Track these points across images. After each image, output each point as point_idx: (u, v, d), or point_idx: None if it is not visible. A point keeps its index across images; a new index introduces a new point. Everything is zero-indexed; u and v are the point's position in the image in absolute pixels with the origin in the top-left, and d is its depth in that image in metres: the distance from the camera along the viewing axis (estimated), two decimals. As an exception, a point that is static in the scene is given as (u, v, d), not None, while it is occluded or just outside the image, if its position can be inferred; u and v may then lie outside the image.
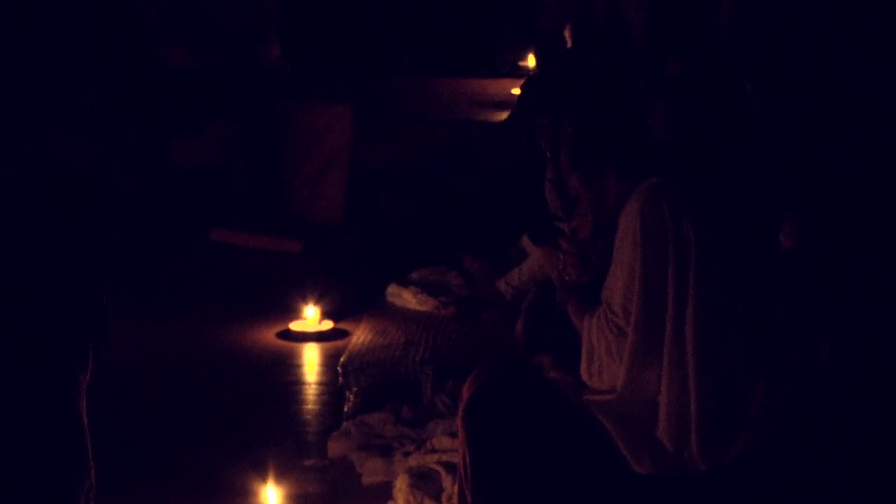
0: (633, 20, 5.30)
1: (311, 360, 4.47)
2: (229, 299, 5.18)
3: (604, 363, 2.66)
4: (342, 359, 4.34)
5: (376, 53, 10.43)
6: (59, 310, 1.71)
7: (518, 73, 9.84)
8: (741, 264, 2.51)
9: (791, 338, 2.14)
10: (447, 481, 3.11)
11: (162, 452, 3.56)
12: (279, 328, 4.71)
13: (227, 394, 4.07)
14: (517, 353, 4.08)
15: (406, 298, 5.02)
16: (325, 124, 6.55)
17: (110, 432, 3.65)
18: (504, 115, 8.50)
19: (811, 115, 3.41)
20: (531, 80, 7.02)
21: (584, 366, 2.73)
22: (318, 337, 4.64)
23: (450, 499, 3.05)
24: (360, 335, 4.63)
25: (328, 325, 4.70)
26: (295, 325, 4.68)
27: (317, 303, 4.73)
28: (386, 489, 3.22)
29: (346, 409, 3.86)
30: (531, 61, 9.45)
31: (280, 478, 3.19)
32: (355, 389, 4.02)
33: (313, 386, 4.20)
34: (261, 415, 3.88)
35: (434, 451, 3.31)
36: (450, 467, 3.15)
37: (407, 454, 3.35)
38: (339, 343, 4.57)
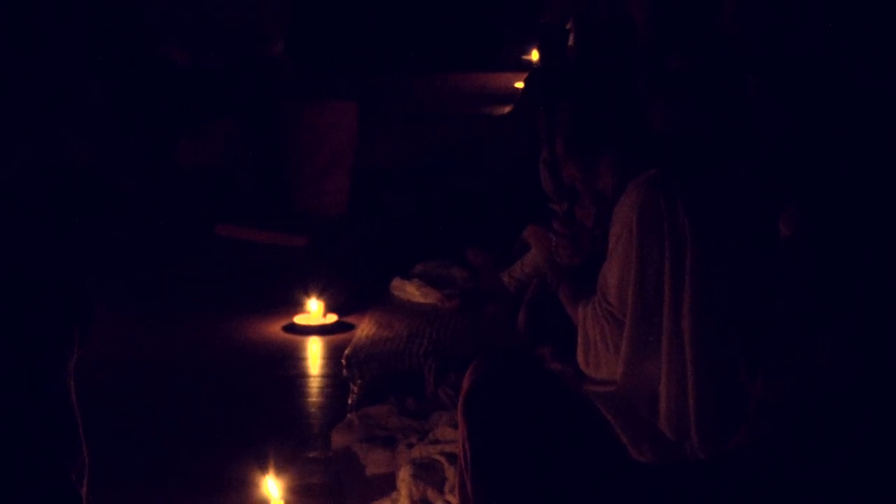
0: (636, 16, 5.32)
1: (315, 353, 4.50)
2: (234, 294, 5.22)
3: (600, 352, 2.68)
4: (346, 351, 4.37)
5: (379, 51, 10.45)
6: (48, 299, 1.79)
7: (521, 67, 9.85)
8: (739, 259, 2.52)
9: (790, 333, 2.16)
10: (450, 472, 3.13)
11: (167, 446, 3.59)
12: (284, 322, 4.74)
13: (233, 387, 4.11)
14: (519, 344, 4.11)
15: (410, 291, 5.06)
16: (330, 121, 6.58)
17: (117, 426, 3.71)
18: (507, 109, 8.53)
19: (812, 113, 3.42)
20: (534, 74, 7.04)
21: (580, 355, 2.75)
22: (322, 330, 4.67)
23: (452, 489, 3.08)
24: (365, 328, 4.67)
25: (332, 318, 4.73)
26: (299, 319, 4.72)
27: (321, 296, 4.76)
28: (389, 480, 3.25)
29: (350, 401, 3.89)
30: (534, 55, 9.47)
31: (284, 469, 3.22)
32: (359, 382, 4.06)
33: (318, 379, 4.24)
34: (266, 407, 3.91)
35: (437, 441, 3.33)
36: (452, 458, 3.17)
37: (410, 445, 3.37)
38: (343, 336, 4.61)
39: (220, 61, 6.64)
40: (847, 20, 3.84)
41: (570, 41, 5.64)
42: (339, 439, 3.54)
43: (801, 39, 3.98)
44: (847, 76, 3.58)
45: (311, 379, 4.24)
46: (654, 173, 2.61)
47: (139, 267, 5.68)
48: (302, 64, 7.63)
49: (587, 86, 2.93)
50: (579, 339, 2.75)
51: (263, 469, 3.18)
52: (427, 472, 3.14)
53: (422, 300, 4.99)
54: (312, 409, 3.92)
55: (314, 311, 4.72)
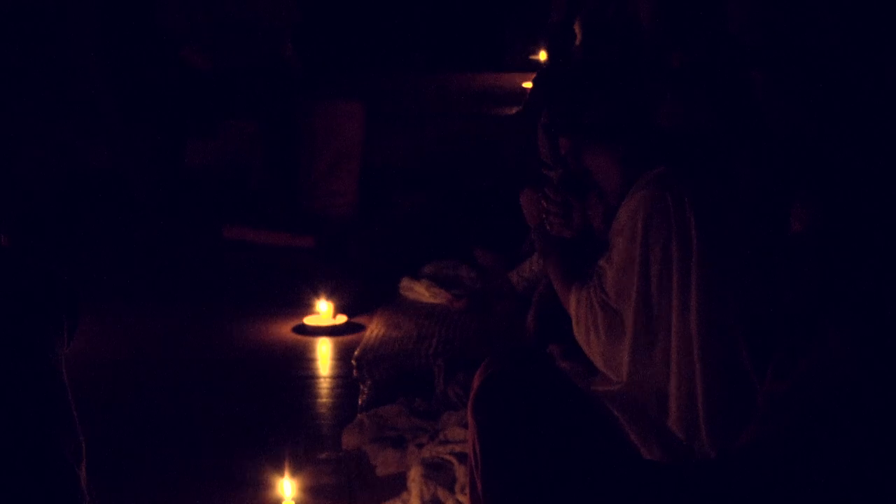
0: (641, 13, 5.31)
1: (325, 353, 4.51)
2: (243, 295, 5.23)
3: (591, 337, 2.67)
4: (356, 352, 4.38)
5: (386, 50, 10.45)
6: (38, 292, 1.89)
7: (528, 67, 9.84)
8: (746, 256, 2.52)
9: (799, 328, 2.16)
10: (460, 472, 3.14)
11: (178, 446, 3.61)
12: (293, 323, 4.76)
13: (243, 388, 4.12)
14: (528, 343, 4.11)
15: (419, 292, 5.06)
16: (337, 121, 6.59)
17: (127, 427, 3.72)
18: (515, 110, 8.52)
19: (819, 108, 3.42)
20: (543, 74, 7.03)
21: (577, 335, 2.75)
22: (332, 331, 4.68)
23: (463, 489, 3.09)
24: (374, 329, 4.67)
25: (342, 319, 4.74)
26: (309, 320, 4.73)
27: (330, 297, 4.77)
28: (400, 480, 3.26)
29: (360, 401, 3.90)
30: (542, 55, 9.45)
31: (296, 470, 3.23)
32: (369, 382, 4.06)
33: (328, 379, 4.25)
34: (276, 408, 3.92)
35: (447, 441, 3.34)
36: (463, 458, 3.18)
37: (420, 445, 3.38)
38: (352, 337, 4.62)
39: (240, 62, 6.64)
40: (854, 14, 3.83)
41: (577, 40, 5.64)
42: (349, 440, 3.54)
43: (808, 35, 3.97)
44: (854, 71, 3.58)
45: (321, 380, 4.25)
46: (662, 171, 2.61)
47: (148, 268, 5.69)
48: (312, 63, 7.64)
49: (594, 83, 2.91)
50: (573, 322, 2.74)
51: (277, 470, 3.19)
52: (437, 472, 3.15)
53: (431, 300, 5.00)
54: (322, 410, 3.93)
55: (324, 311, 4.73)
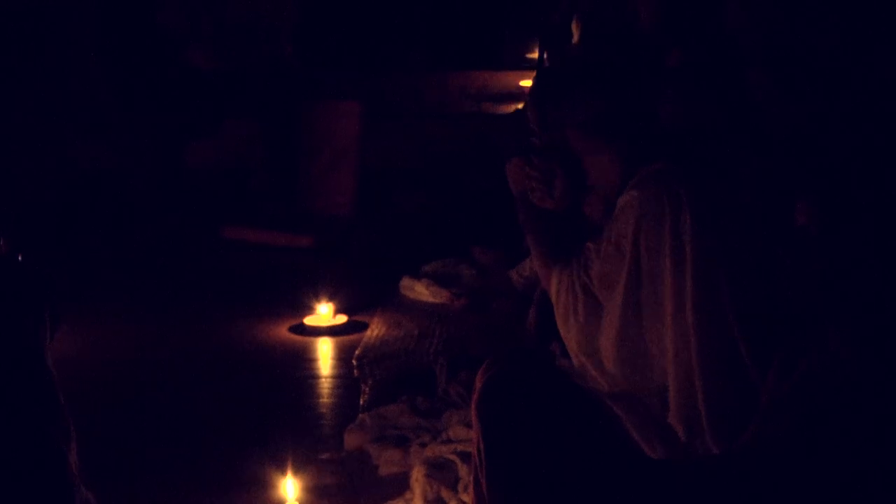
0: (642, 11, 5.31)
1: (325, 353, 4.52)
2: (243, 295, 5.24)
3: (569, 318, 2.64)
4: (357, 352, 4.39)
5: (384, 49, 10.46)
6: (21, 288, 2.01)
7: (526, 65, 9.85)
8: (747, 253, 2.52)
9: (802, 326, 2.17)
10: (463, 471, 3.14)
11: (179, 446, 3.61)
12: (293, 323, 4.76)
13: (244, 388, 4.12)
14: (529, 342, 4.12)
15: (419, 291, 5.07)
16: (335, 121, 6.60)
17: (128, 429, 3.73)
18: (513, 108, 8.53)
19: (820, 107, 3.42)
20: (541, 73, 7.04)
21: (556, 315, 2.73)
22: (332, 331, 4.69)
23: (466, 488, 3.09)
24: (375, 328, 4.68)
25: (342, 318, 4.74)
26: (309, 320, 4.73)
27: (331, 298, 4.77)
28: (403, 480, 3.26)
29: (361, 401, 3.90)
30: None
31: (298, 470, 3.23)
32: (371, 382, 4.07)
33: (329, 379, 4.25)
34: (278, 408, 3.92)
35: (450, 441, 3.34)
36: (465, 457, 3.18)
37: (423, 445, 3.38)
38: (353, 336, 4.62)
39: (240, 63, 6.66)
40: (854, 14, 3.84)
41: (574, 39, 5.64)
42: (351, 439, 3.55)
43: (807, 35, 3.97)
44: (854, 71, 3.58)
45: (322, 379, 4.25)
46: (659, 168, 2.59)
47: (149, 268, 5.70)
48: (310, 63, 7.65)
49: (592, 79, 2.89)
50: (553, 302, 2.72)
51: (280, 470, 3.19)
52: (441, 472, 3.15)
53: (431, 299, 5.01)
54: (324, 410, 3.93)
55: (324, 311, 4.74)
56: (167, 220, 6.42)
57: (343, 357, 4.42)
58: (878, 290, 2.13)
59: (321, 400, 4.03)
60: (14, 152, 6.43)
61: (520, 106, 8.09)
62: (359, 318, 4.81)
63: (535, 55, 9.73)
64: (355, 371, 4.21)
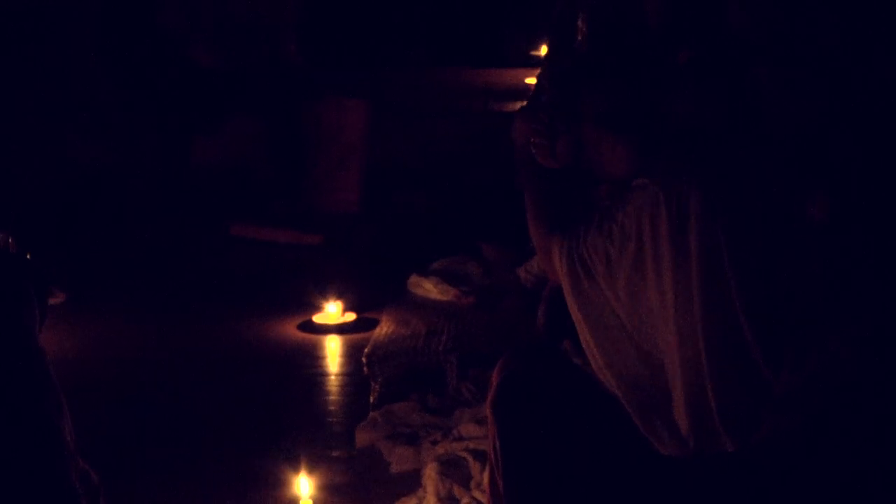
0: (648, 7, 5.32)
1: (334, 351, 4.52)
2: (251, 293, 5.25)
3: (581, 287, 2.60)
4: (366, 349, 4.40)
5: (388, 46, 10.47)
6: (13, 274, 2.06)
7: (530, 62, 9.86)
8: (753, 251, 2.51)
9: (816, 320, 2.17)
10: (475, 468, 3.15)
11: (189, 444, 3.62)
12: (302, 320, 4.77)
13: (253, 386, 4.13)
14: (538, 340, 4.12)
15: (427, 288, 5.08)
16: (341, 119, 6.61)
17: (139, 427, 3.73)
18: (519, 105, 8.53)
19: (823, 105, 3.43)
20: (546, 69, 7.04)
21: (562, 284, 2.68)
22: (340, 328, 4.69)
23: (478, 486, 3.10)
24: (384, 325, 4.69)
25: (351, 316, 4.75)
26: (318, 318, 4.74)
27: (339, 296, 4.78)
28: (414, 477, 3.27)
29: (371, 399, 3.91)
30: (543, 51, 9.46)
31: (311, 468, 3.24)
32: (380, 379, 4.08)
33: (338, 377, 4.26)
34: (287, 406, 3.93)
35: (461, 438, 3.35)
36: (477, 455, 3.20)
37: (434, 443, 3.39)
38: (362, 334, 4.63)
39: (243, 61, 6.67)
40: (854, 14, 3.84)
41: (580, 35, 5.65)
42: (363, 437, 3.56)
43: (807, 34, 3.98)
44: (854, 70, 3.59)
45: (332, 377, 4.26)
46: (668, 165, 2.58)
47: (155, 267, 5.71)
48: (315, 61, 7.66)
49: (612, 73, 2.87)
50: (557, 270, 2.65)
51: (292, 468, 3.20)
52: (453, 469, 3.16)
53: (439, 297, 5.01)
54: (333, 408, 3.94)
55: (332, 310, 4.74)
56: (171, 218, 6.42)
57: (352, 354, 4.43)
58: (885, 285, 2.14)
59: (331, 397, 4.04)
60: (15, 152, 6.44)
61: (524, 104, 8.11)
62: (367, 315, 4.82)
63: (539, 52, 9.75)
64: (365, 369, 4.22)
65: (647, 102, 2.74)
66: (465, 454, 3.22)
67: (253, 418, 3.83)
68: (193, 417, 3.85)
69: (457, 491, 3.09)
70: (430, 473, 3.16)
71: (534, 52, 10.16)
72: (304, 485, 3.12)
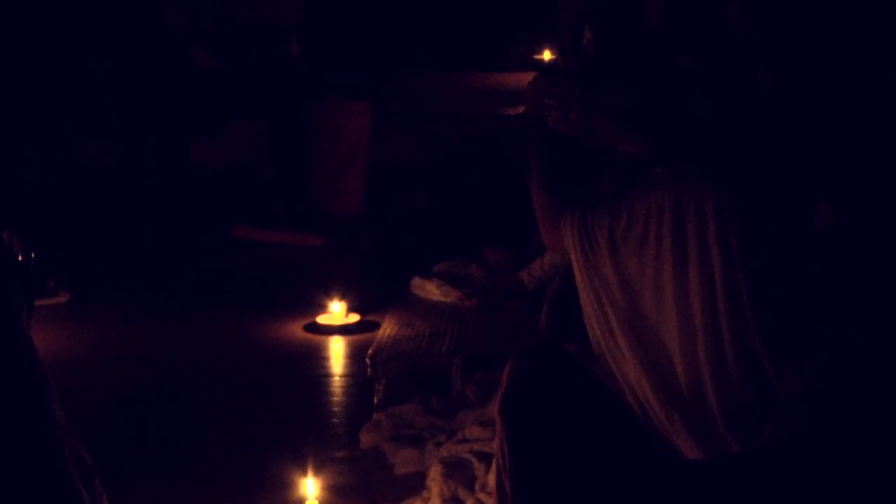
0: (650, 12, 5.33)
1: (338, 352, 4.53)
2: (254, 294, 5.26)
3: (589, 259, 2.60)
4: (370, 351, 4.41)
5: (390, 47, 10.48)
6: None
7: (532, 66, 9.86)
8: (766, 254, 2.51)
9: (818, 323, 2.18)
10: (479, 470, 3.16)
11: (195, 445, 3.62)
12: (305, 322, 4.78)
13: (257, 387, 4.13)
14: (541, 341, 4.12)
15: (430, 290, 5.09)
16: (344, 121, 6.62)
17: (142, 427, 3.74)
18: (521, 109, 8.53)
19: (825, 107, 3.44)
20: (547, 72, 7.05)
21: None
22: (345, 329, 4.70)
23: (483, 487, 3.10)
24: (387, 327, 4.70)
25: (355, 317, 4.76)
26: (322, 319, 4.75)
27: (342, 297, 4.79)
28: (419, 479, 3.28)
29: (375, 400, 3.92)
30: (546, 55, 9.49)
31: (317, 469, 3.24)
32: (384, 381, 4.09)
33: (342, 378, 4.26)
34: (291, 407, 3.93)
35: (465, 440, 3.36)
36: (482, 457, 3.20)
37: (438, 444, 3.40)
38: (365, 336, 4.64)
39: (244, 62, 6.67)
40: (854, 14, 3.85)
41: (586, 40, 5.65)
42: (367, 438, 3.57)
43: (806, 34, 3.99)
44: (855, 71, 3.60)
45: (336, 378, 4.27)
46: (686, 162, 2.56)
47: (158, 268, 5.72)
48: (317, 62, 7.66)
49: (631, 71, 2.83)
50: (564, 236, 2.63)
51: (297, 469, 3.20)
52: (457, 471, 3.17)
53: (442, 299, 5.03)
54: (337, 409, 3.95)
55: (336, 311, 4.75)
56: (172, 219, 6.43)
57: (355, 356, 4.44)
58: (879, 290, 2.15)
59: (334, 398, 4.05)
60: (16, 152, 6.44)
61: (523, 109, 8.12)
62: (370, 317, 4.83)
63: (542, 56, 9.75)
64: (368, 370, 4.23)
65: (667, 101, 2.71)
66: (469, 456, 3.22)
67: (256, 418, 3.84)
68: (196, 417, 3.85)
69: (461, 493, 3.09)
70: (434, 475, 3.16)
71: (536, 56, 10.16)
72: (310, 486, 3.12)
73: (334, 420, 3.84)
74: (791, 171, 2.85)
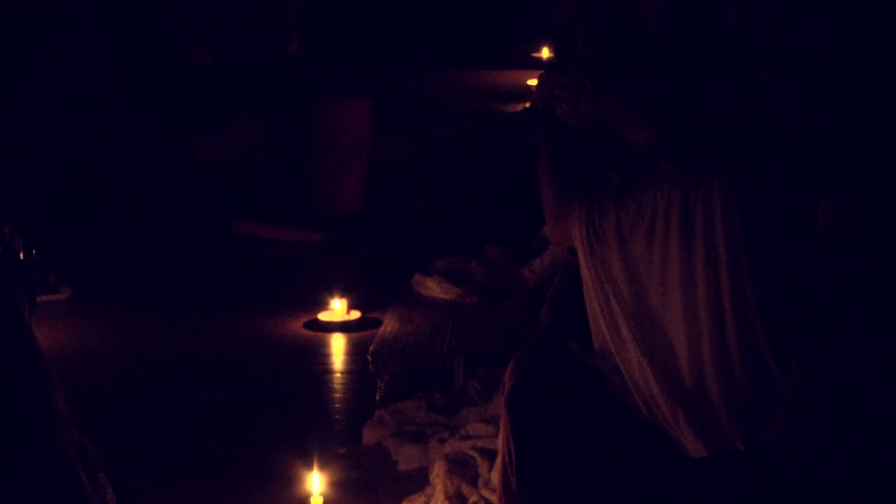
0: (646, 8, 5.34)
1: (339, 349, 4.55)
2: (256, 290, 5.28)
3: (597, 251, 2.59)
4: (371, 347, 4.42)
5: (390, 46, 10.49)
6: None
7: (531, 64, 9.87)
8: (769, 252, 2.52)
9: (822, 321, 2.19)
10: (483, 467, 3.17)
11: (196, 443, 3.63)
12: (306, 318, 4.79)
13: (259, 384, 4.15)
14: (542, 338, 4.14)
15: (430, 287, 5.11)
16: (344, 119, 6.64)
17: (144, 424, 3.75)
18: (521, 106, 8.56)
19: (828, 107, 3.44)
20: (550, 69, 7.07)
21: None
22: (346, 326, 4.72)
23: (486, 484, 3.12)
24: (388, 324, 4.72)
25: (356, 314, 4.78)
26: (323, 316, 4.76)
27: (344, 294, 4.80)
28: (422, 475, 3.29)
29: (377, 397, 3.93)
30: (545, 53, 9.50)
31: (322, 465, 3.25)
32: (386, 377, 4.10)
33: (343, 374, 4.27)
34: (293, 404, 3.95)
35: (468, 437, 3.37)
36: (485, 453, 3.22)
37: (441, 441, 3.41)
38: (366, 332, 4.66)
39: (244, 60, 6.68)
40: (853, 14, 3.86)
41: (584, 39, 5.67)
42: (369, 435, 3.58)
43: (806, 33, 4.00)
44: (855, 71, 3.61)
45: (337, 374, 4.28)
46: (691, 162, 2.57)
47: (159, 264, 5.73)
48: (318, 60, 7.67)
49: (651, 62, 2.83)
50: (572, 228, 2.64)
51: (301, 464, 3.21)
52: (460, 468, 3.18)
53: (442, 296, 5.04)
54: (339, 405, 3.96)
55: (337, 307, 4.77)
56: (174, 216, 6.44)
57: (357, 352, 4.45)
58: (880, 289, 2.16)
59: (336, 395, 4.06)
60: (19, 150, 6.45)
61: (527, 105, 8.12)
62: (372, 314, 4.84)
63: (540, 54, 9.76)
64: (370, 367, 4.24)
65: (682, 95, 2.71)
66: (472, 453, 3.24)
67: (257, 416, 3.85)
68: (198, 415, 3.86)
69: (465, 489, 3.10)
70: (438, 471, 3.17)
71: (535, 54, 10.17)
72: (315, 481, 3.13)
73: (336, 417, 3.85)
74: (792, 171, 2.87)
